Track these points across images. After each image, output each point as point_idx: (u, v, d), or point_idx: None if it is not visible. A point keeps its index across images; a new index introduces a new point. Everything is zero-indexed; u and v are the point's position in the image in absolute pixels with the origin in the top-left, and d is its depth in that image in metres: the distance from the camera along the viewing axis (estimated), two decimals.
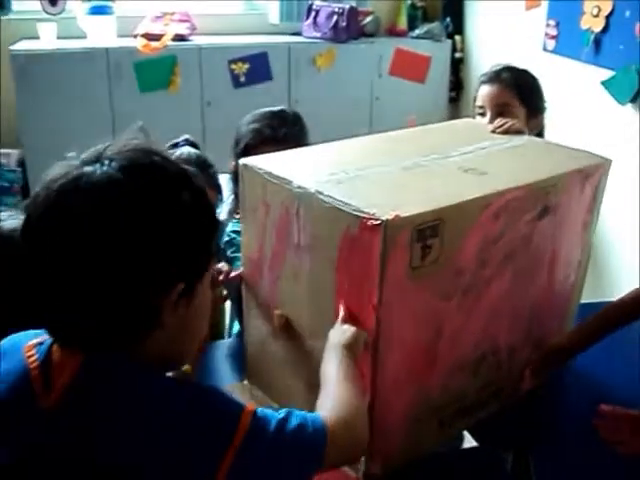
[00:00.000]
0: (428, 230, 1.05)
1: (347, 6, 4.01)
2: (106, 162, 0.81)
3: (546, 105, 1.94)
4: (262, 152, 1.67)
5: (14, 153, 3.92)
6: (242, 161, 1.32)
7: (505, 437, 1.44)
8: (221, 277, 1.42)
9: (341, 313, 1.12)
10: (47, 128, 3.74)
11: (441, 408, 1.28)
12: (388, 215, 1.00)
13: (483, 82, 1.95)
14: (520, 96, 1.88)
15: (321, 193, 1.11)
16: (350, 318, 1.10)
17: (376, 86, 4.23)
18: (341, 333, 1.09)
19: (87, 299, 0.78)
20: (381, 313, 1.05)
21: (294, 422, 0.86)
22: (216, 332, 1.78)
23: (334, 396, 0.97)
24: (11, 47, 3.63)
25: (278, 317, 1.31)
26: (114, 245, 0.77)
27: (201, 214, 0.86)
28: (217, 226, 0.92)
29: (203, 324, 0.93)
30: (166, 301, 0.82)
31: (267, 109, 1.80)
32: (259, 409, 0.86)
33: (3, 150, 3.92)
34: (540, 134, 1.91)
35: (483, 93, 1.92)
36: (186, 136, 1.76)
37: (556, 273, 1.42)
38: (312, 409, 1.27)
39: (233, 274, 1.42)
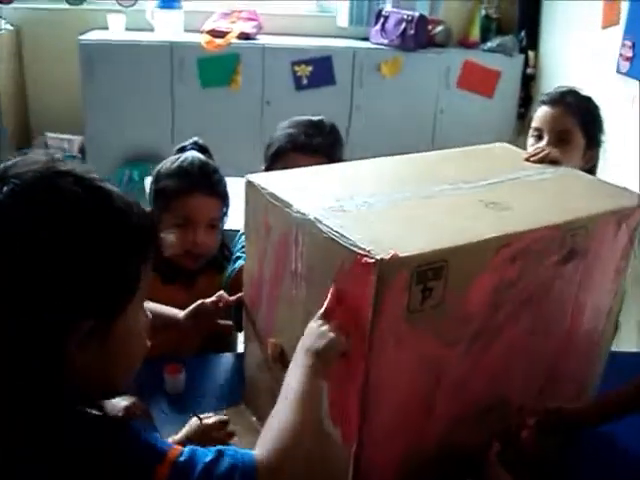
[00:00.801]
0: (430, 272, 0.95)
1: (417, 14, 3.89)
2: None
3: (604, 139, 1.78)
4: (292, 158, 1.60)
5: (77, 140, 4.00)
6: (247, 177, 1.24)
7: None
8: (220, 304, 1.36)
9: (325, 305, 1.00)
10: (108, 117, 3.80)
11: (439, 461, 1.17)
12: (385, 254, 0.91)
13: (544, 102, 1.79)
14: (583, 125, 1.73)
15: (319, 221, 1.02)
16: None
17: (442, 98, 4.10)
18: (317, 336, 0.98)
19: None
20: (372, 357, 0.96)
21: (223, 466, 0.79)
22: (226, 338, 1.71)
23: (279, 425, 0.89)
24: (80, 37, 3.69)
25: (272, 346, 1.23)
26: None
27: (113, 240, 0.76)
28: (144, 249, 0.81)
29: (134, 352, 0.85)
30: (71, 339, 0.74)
31: (306, 117, 1.73)
32: (186, 451, 0.79)
33: (67, 136, 4.01)
34: (592, 169, 1.75)
35: (543, 115, 1.76)
36: (195, 139, 1.69)
37: (581, 321, 1.29)
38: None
39: (232, 298, 1.36)
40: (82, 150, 3.95)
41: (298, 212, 1.07)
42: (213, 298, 1.32)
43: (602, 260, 1.24)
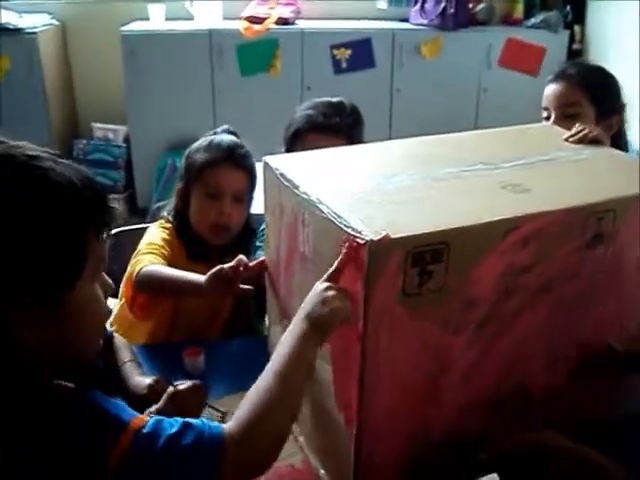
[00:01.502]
0: (428, 254, 0.93)
1: None
2: None
3: (624, 103, 1.71)
4: (311, 139, 1.60)
5: (122, 129, 4.08)
6: (265, 159, 1.25)
7: None
8: (241, 268, 1.34)
9: (334, 266, 0.95)
10: (151, 107, 3.87)
11: (448, 451, 1.14)
12: (376, 234, 0.89)
13: (549, 81, 1.75)
14: (589, 94, 1.68)
15: (321, 202, 1.01)
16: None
17: (484, 77, 4.00)
18: (319, 303, 0.94)
19: None
20: (367, 340, 0.94)
21: (188, 438, 0.79)
22: (249, 321, 1.73)
23: (257, 397, 0.88)
24: (122, 28, 3.75)
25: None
26: None
27: (47, 217, 0.75)
28: (88, 223, 0.81)
29: (93, 321, 0.85)
30: (18, 319, 0.75)
31: (326, 98, 1.72)
32: (150, 422, 0.80)
33: (112, 126, 4.10)
34: (617, 137, 1.68)
35: (548, 93, 1.74)
36: (225, 126, 1.72)
37: (613, 311, 1.23)
38: (318, 428, 1.22)
39: (252, 263, 1.34)
40: (127, 139, 4.03)
41: (304, 193, 1.06)
42: (233, 263, 1.32)
43: (635, 246, 1.17)
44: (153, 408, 1.16)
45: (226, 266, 1.32)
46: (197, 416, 1.08)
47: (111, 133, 4.10)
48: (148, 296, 1.58)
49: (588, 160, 1.31)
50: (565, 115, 1.63)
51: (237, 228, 1.66)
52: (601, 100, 1.69)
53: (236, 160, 1.63)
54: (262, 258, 1.35)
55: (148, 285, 1.51)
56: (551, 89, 1.73)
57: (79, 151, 4.03)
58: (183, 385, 1.20)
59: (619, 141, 1.67)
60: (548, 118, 1.71)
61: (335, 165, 1.22)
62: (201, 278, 1.38)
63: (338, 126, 1.63)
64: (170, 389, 1.19)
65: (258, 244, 1.63)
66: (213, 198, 1.61)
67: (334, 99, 1.71)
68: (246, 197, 1.67)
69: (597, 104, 1.68)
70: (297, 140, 1.64)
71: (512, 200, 1.07)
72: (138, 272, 1.49)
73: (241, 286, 1.34)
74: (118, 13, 3.95)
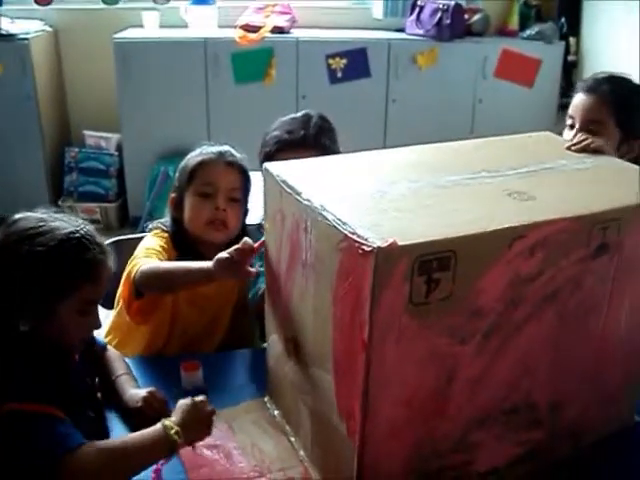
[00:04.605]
0: (435, 262, 0.90)
1: (452, 3, 3.79)
2: None
3: None
4: (282, 159, 1.59)
5: (114, 137, 4.05)
6: (265, 165, 1.23)
7: None
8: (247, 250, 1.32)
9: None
10: (144, 115, 3.83)
11: (456, 463, 1.12)
12: (384, 242, 0.87)
13: (581, 89, 1.72)
14: (617, 116, 1.64)
15: (324, 209, 0.99)
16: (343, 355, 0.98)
17: (480, 88, 3.99)
18: (195, 420, 1.14)
19: None
20: (373, 350, 0.92)
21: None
22: (247, 338, 1.70)
23: (117, 447, 1.06)
24: (115, 35, 3.73)
25: (286, 338, 1.21)
26: None
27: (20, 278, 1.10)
28: (59, 285, 1.11)
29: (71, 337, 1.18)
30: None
31: (291, 115, 1.72)
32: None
33: (105, 134, 4.07)
34: (637, 161, 1.66)
35: (576, 102, 1.70)
36: (210, 143, 1.73)
37: (619, 321, 1.21)
38: (319, 440, 1.19)
39: (257, 244, 1.33)
40: (119, 148, 4.00)
41: (307, 200, 1.04)
42: (239, 245, 1.31)
43: None
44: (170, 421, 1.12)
45: (233, 248, 1.31)
46: (209, 428, 1.16)
47: (103, 141, 4.06)
48: (146, 299, 1.54)
49: (591, 169, 1.30)
50: (588, 130, 1.59)
51: (234, 229, 1.64)
52: (628, 123, 1.65)
53: (228, 159, 1.64)
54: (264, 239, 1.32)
55: (150, 282, 1.48)
56: (581, 100, 1.69)
57: (71, 159, 3.99)
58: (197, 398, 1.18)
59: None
60: (572, 127, 1.68)
61: (337, 172, 1.20)
62: (208, 263, 1.36)
63: (305, 139, 1.64)
64: (185, 401, 1.16)
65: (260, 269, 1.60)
66: (207, 197, 1.61)
67: (299, 113, 1.73)
68: (240, 197, 1.65)
69: (623, 127, 1.65)
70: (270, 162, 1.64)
71: (518, 208, 1.06)
72: (137, 272, 1.47)
73: (248, 269, 1.34)
74: (112, 20, 3.93)
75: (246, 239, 1.33)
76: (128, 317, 1.59)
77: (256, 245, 1.32)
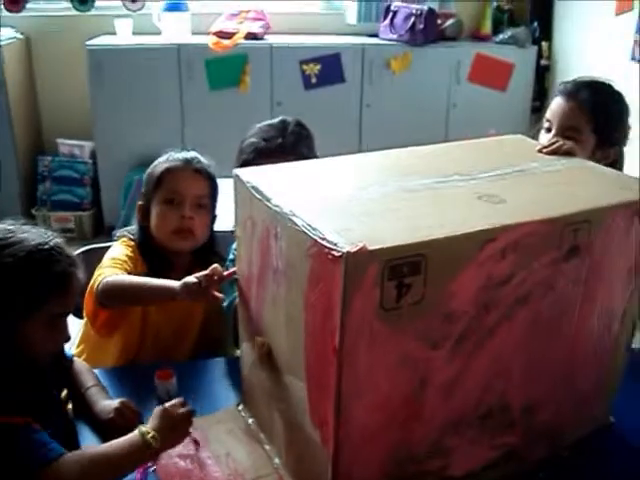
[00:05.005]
0: (405, 266, 0.90)
1: (426, 8, 3.82)
2: None
3: (628, 138, 1.69)
4: (260, 164, 1.58)
5: (88, 145, 4.00)
6: (235, 172, 1.22)
7: None
8: (215, 277, 1.33)
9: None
10: (117, 122, 3.80)
11: (432, 468, 1.11)
12: (352, 246, 0.86)
13: (559, 93, 1.71)
14: (593, 124, 1.64)
15: (294, 214, 0.98)
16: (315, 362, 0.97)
17: (454, 93, 4.02)
18: (169, 428, 1.13)
19: None
20: (343, 357, 0.91)
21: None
22: (220, 343, 1.68)
23: (96, 455, 1.05)
24: (87, 42, 3.69)
25: (259, 345, 1.19)
26: None
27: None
28: (26, 300, 1.09)
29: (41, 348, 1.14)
30: None
31: (267, 122, 1.71)
32: None
33: (77, 142, 4.02)
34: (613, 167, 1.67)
35: (554, 107, 1.69)
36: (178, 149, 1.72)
37: (591, 323, 1.22)
38: (293, 448, 1.18)
39: (226, 272, 1.33)
40: (93, 155, 3.95)
41: (277, 206, 1.03)
42: (207, 271, 1.31)
43: (612, 258, 1.17)
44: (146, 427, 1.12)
45: (201, 274, 1.31)
46: (186, 430, 1.17)
47: (77, 149, 4.01)
48: (111, 312, 1.52)
49: (562, 171, 1.30)
50: (564, 136, 1.58)
51: (202, 237, 1.64)
52: (604, 131, 1.65)
53: (195, 166, 1.63)
54: (235, 268, 1.32)
55: (114, 294, 1.46)
56: (559, 105, 1.68)
57: (44, 168, 3.93)
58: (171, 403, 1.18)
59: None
60: (549, 130, 1.67)
61: (307, 177, 1.19)
62: (174, 283, 1.36)
63: (282, 146, 1.63)
64: (160, 407, 1.16)
65: (230, 259, 1.59)
66: (173, 204, 1.60)
67: (275, 120, 1.72)
68: (208, 204, 1.65)
69: (599, 133, 1.64)
70: None
71: (489, 211, 1.06)
72: (100, 283, 1.44)
73: (215, 294, 1.33)
74: (84, 27, 3.89)
75: (216, 266, 1.33)
76: (93, 330, 1.57)
77: (226, 273, 1.33)
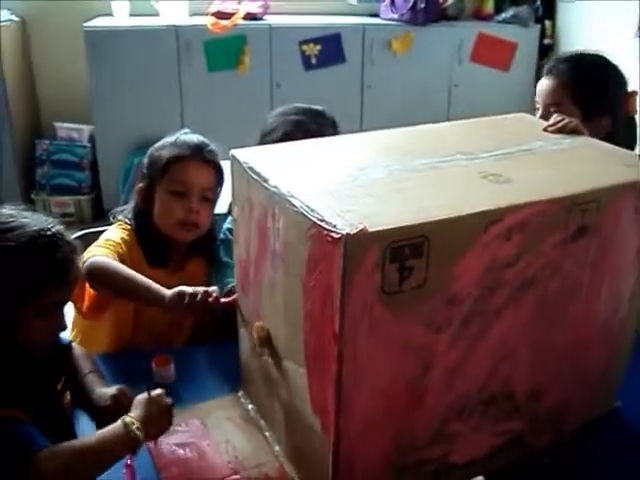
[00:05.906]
0: (407, 249, 0.87)
1: None
2: None
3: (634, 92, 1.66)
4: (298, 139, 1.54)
5: (86, 129, 3.96)
6: (232, 152, 1.18)
7: None
8: (210, 299, 1.31)
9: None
10: (116, 105, 3.74)
11: (435, 456, 1.09)
12: (352, 228, 0.83)
13: (544, 72, 1.70)
14: (574, 95, 1.61)
15: (291, 195, 0.95)
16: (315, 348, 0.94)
17: (456, 73, 3.97)
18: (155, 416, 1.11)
19: None
20: (345, 342, 0.88)
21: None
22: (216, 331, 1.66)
23: (78, 448, 1.01)
24: (85, 24, 3.64)
25: (258, 329, 1.16)
26: None
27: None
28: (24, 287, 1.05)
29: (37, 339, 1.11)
30: None
31: (306, 105, 1.67)
32: None
33: (76, 125, 3.97)
34: (610, 139, 1.63)
35: (538, 87, 1.69)
36: (187, 130, 1.65)
37: (598, 306, 1.19)
38: (293, 435, 1.16)
39: (223, 300, 1.33)
40: (92, 139, 3.91)
41: (274, 187, 1.00)
42: (202, 289, 1.30)
43: (619, 239, 1.14)
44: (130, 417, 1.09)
45: (197, 291, 1.30)
46: (169, 421, 1.14)
47: (75, 132, 3.96)
48: (96, 293, 1.48)
49: (568, 150, 1.27)
50: (548, 113, 1.56)
51: (205, 228, 1.60)
52: (588, 101, 1.61)
53: (204, 156, 1.57)
54: (234, 296, 1.31)
55: (96, 277, 1.40)
56: (541, 84, 1.68)
57: (42, 152, 3.89)
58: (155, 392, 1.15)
59: (613, 142, 1.61)
60: (539, 109, 1.66)
61: (306, 158, 1.16)
62: (164, 290, 1.33)
63: (324, 136, 1.58)
64: (142, 396, 1.13)
65: (225, 259, 1.58)
66: (180, 195, 1.55)
67: (314, 107, 1.68)
68: (213, 196, 1.61)
69: (582, 105, 1.61)
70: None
71: (493, 191, 1.02)
72: (86, 261, 1.40)
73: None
74: (81, 9, 3.82)
75: (214, 288, 1.33)
76: (74, 310, 1.53)
77: (222, 301, 1.33)
